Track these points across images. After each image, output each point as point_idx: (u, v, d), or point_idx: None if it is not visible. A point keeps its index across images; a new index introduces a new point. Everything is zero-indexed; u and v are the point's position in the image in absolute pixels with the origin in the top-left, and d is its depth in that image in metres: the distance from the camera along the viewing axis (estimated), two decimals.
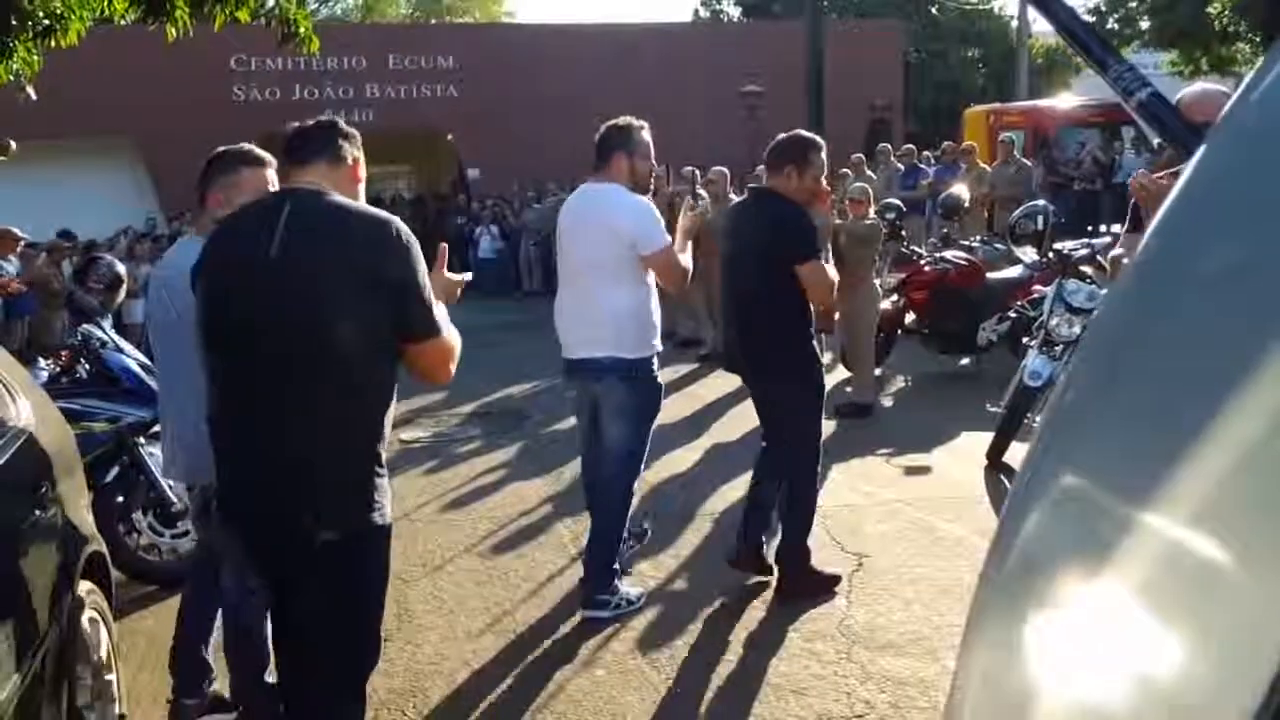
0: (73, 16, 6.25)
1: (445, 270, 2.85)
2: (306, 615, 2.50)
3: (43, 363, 5.56)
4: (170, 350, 3.29)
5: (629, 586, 4.43)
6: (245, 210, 2.72)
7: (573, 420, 7.90)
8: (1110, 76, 1.14)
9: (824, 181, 4.33)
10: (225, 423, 2.55)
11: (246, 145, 3.30)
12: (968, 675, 1.01)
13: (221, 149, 3.32)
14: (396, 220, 2.52)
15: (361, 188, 2.72)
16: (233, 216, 2.76)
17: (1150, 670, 0.81)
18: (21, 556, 2.52)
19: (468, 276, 3.04)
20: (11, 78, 6.67)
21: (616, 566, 4.37)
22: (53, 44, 6.37)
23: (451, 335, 2.62)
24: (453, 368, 2.69)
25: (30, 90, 6.88)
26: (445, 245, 3.00)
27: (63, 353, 5.44)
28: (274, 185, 3.18)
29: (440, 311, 2.57)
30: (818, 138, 4.50)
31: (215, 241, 2.67)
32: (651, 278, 4.24)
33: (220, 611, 3.46)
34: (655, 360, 4.28)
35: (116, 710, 3.16)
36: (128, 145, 19.58)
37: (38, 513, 2.75)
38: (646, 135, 4.31)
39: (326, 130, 2.65)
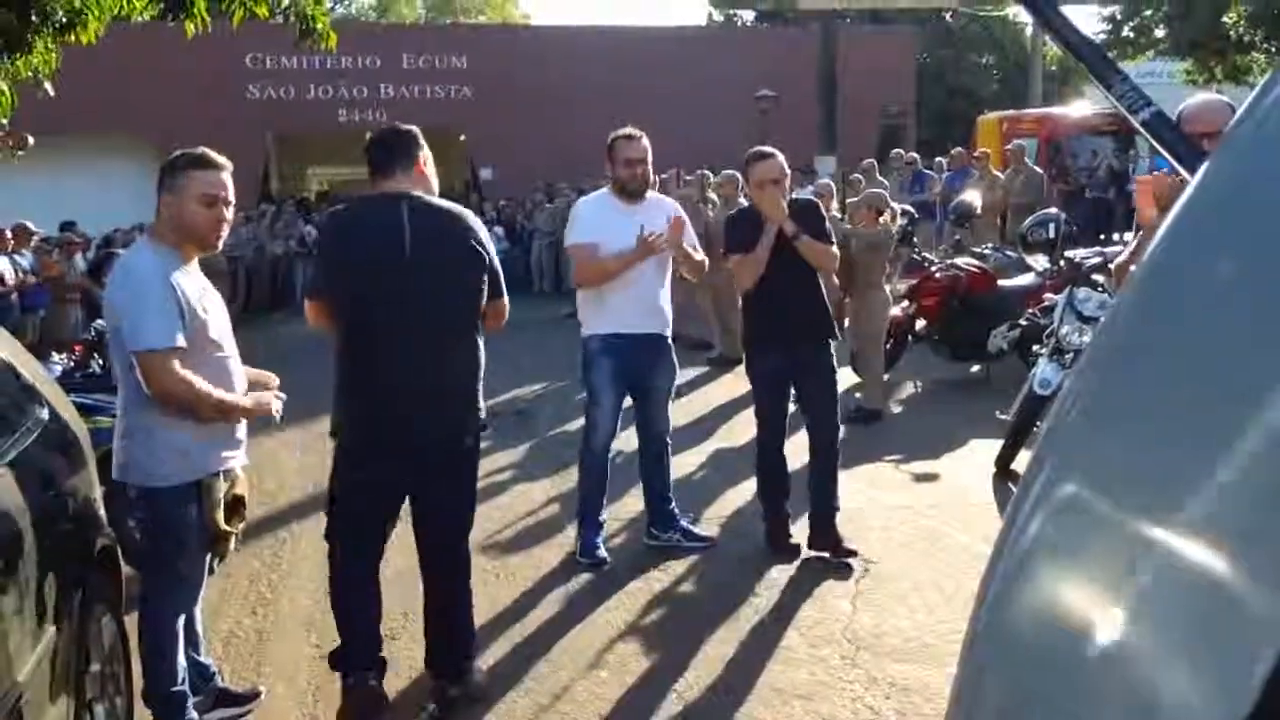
0: (92, 14, 6.28)
1: None
2: (448, 495, 3.59)
3: (56, 357, 5.60)
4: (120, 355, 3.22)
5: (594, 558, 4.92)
6: (364, 213, 3.54)
7: (580, 421, 7.97)
8: (1115, 93, 1.15)
9: (763, 182, 4.81)
10: (381, 375, 3.36)
11: (201, 149, 3.29)
12: (967, 684, 1.01)
13: (173, 155, 3.31)
14: (469, 211, 3.53)
15: (427, 181, 3.49)
16: (353, 218, 3.59)
17: (1148, 680, 0.81)
18: (34, 548, 2.55)
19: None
20: (30, 74, 6.72)
21: (601, 520, 5.05)
22: (72, 39, 6.40)
23: None
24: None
25: (48, 86, 6.93)
26: None
27: (76, 347, 5.48)
28: (229, 188, 3.24)
29: None
30: (761, 149, 5.04)
31: (345, 244, 3.50)
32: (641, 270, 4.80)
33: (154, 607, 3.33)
34: (595, 340, 4.90)
35: (124, 703, 3.18)
36: (143, 142, 19.67)
37: (51, 505, 2.78)
38: (626, 144, 4.84)
39: (405, 140, 3.45)
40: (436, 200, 3.40)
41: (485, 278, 3.41)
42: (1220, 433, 0.80)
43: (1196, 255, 0.91)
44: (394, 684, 3.82)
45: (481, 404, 3.56)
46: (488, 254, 3.42)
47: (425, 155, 3.48)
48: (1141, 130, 1.16)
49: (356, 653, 3.52)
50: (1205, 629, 0.78)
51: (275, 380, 3.53)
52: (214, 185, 3.21)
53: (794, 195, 5.18)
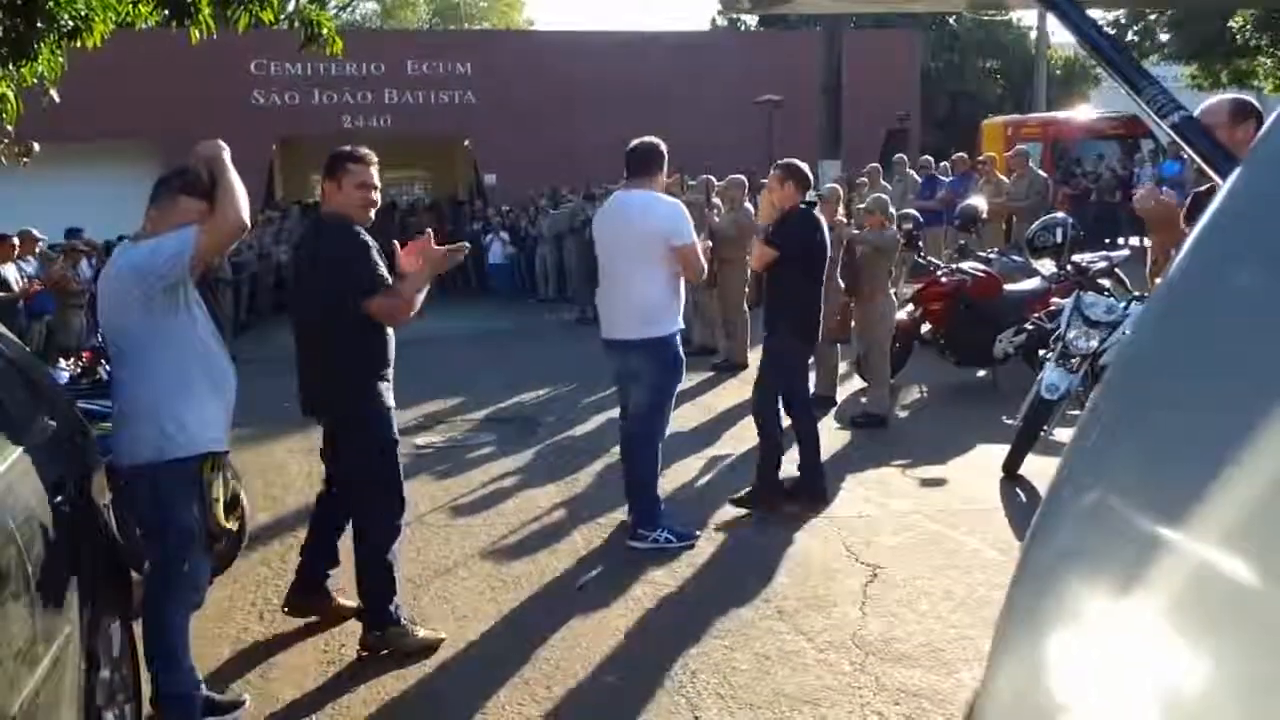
0: (98, 19, 6.28)
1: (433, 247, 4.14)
2: (338, 461, 4.26)
3: (63, 363, 5.60)
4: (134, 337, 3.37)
5: (674, 529, 5.19)
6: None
7: (585, 427, 8.00)
8: (1144, 98, 1.14)
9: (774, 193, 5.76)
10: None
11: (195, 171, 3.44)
12: (993, 691, 1.00)
13: (171, 171, 3.48)
14: (347, 224, 3.99)
15: (349, 197, 4.04)
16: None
17: (1176, 689, 0.81)
18: (42, 555, 2.54)
19: (464, 246, 4.36)
20: (35, 80, 6.72)
21: (662, 508, 5.26)
22: (78, 44, 6.40)
23: (403, 295, 3.99)
24: (401, 317, 4.02)
25: (54, 93, 6.93)
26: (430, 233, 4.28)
27: (84, 353, 5.48)
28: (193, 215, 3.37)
29: (411, 285, 4.02)
30: (780, 161, 5.79)
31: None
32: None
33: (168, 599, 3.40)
34: (678, 336, 5.23)
35: (134, 709, 3.18)
36: (147, 148, 19.69)
37: (59, 512, 2.77)
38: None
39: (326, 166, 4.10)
40: (327, 215, 4.09)
41: (337, 284, 3.91)
42: (1246, 442, 0.79)
43: (1224, 266, 0.90)
44: (401, 688, 3.82)
45: (353, 391, 4.01)
46: (344, 261, 3.92)
47: (343, 174, 4.01)
48: (1171, 134, 1.15)
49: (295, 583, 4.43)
50: (1235, 639, 0.77)
51: None
52: (194, 214, 3.37)
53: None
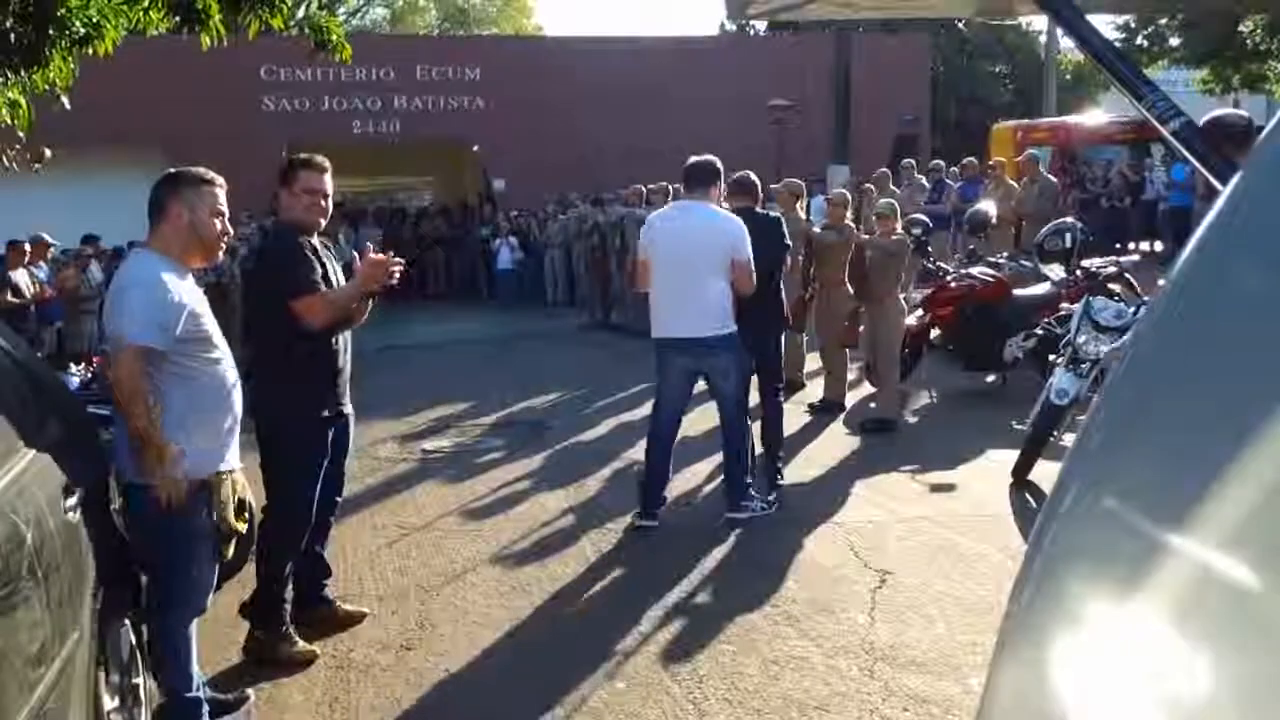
0: (109, 25, 6.31)
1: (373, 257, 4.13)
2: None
3: (74, 368, 5.63)
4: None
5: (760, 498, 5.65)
6: None
7: (595, 431, 8.00)
8: (1145, 104, 1.14)
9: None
10: None
11: (198, 168, 3.47)
12: (996, 695, 1.01)
13: (178, 171, 3.46)
14: (289, 231, 4.10)
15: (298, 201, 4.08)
16: None
17: (1178, 693, 0.81)
18: (51, 560, 2.55)
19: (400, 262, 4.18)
20: (47, 87, 6.75)
21: (749, 480, 5.66)
22: (90, 51, 6.44)
23: (326, 297, 3.99)
24: (319, 315, 3.96)
25: (65, 99, 6.97)
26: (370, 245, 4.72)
27: (95, 358, 5.50)
28: (223, 205, 3.41)
29: (338, 291, 4.07)
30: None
31: None
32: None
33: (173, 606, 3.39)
34: None
35: (143, 713, 3.19)
36: (158, 154, 19.77)
37: (69, 515, 2.78)
38: None
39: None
40: (277, 222, 4.30)
41: (269, 289, 4.03)
42: (1248, 445, 0.79)
43: (1226, 269, 0.90)
44: (411, 694, 3.83)
45: (276, 400, 4.00)
46: (278, 267, 4.04)
47: (293, 179, 4.03)
48: (1172, 140, 1.16)
49: None
50: (1238, 643, 0.77)
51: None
52: (221, 200, 3.38)
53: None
